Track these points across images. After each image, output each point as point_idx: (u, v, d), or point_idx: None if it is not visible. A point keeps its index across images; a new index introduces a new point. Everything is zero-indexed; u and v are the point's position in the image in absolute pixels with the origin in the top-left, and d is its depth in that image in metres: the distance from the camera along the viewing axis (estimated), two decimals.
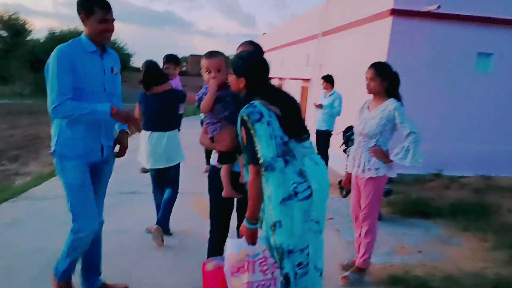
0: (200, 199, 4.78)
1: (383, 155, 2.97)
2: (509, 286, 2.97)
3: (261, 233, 2.05)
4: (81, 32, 2.38)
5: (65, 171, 2.35)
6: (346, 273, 3.14)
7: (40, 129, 16.04)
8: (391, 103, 2.97)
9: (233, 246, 1.99)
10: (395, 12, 6.12)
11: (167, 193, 3.68)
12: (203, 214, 4.08)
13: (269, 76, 2.16)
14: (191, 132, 6.84)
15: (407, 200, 5.27)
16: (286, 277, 1.97)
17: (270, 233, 1.97)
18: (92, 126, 2.36)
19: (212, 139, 2.36)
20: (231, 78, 2.14)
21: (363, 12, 7.05)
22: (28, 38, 29.53)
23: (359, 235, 3.22)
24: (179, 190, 3.79)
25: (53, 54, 2.23)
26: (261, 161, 1.91)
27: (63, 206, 4.76)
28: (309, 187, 1.97)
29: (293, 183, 1.94)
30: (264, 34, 18.67)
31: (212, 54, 2.38)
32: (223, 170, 2.35)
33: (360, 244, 3.21)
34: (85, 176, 2.38)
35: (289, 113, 2.04)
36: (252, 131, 1.91)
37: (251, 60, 2.11)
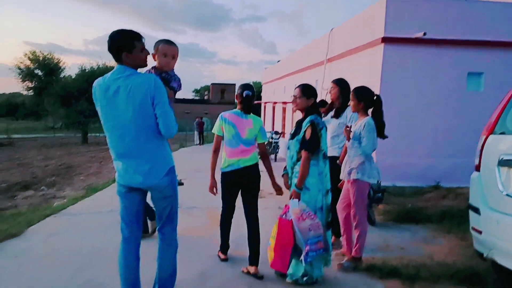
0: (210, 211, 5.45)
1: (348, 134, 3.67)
2: (469, 272, 3.44)
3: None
4: (111, 67, 2.80)
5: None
6: (342, 261, 3.67)
7: (71, 159, 17.27)
8: (366, 120, 3.61)
9: (293, 204, 3.21)
10: (386, 40, 6.79)
11: None
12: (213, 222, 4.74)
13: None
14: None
15: (402, 209, 5.74)
16: (331, 223, 3.39)
17: (320, 197, 3.28)
18: None
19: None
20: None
21: (359, 40, 7.76)
22: (61, 75, 31.51)
23: (346, 231, 3.78)
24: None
25: None
26: (322, 152, 3.27)
27: (95, 220, 5.55)
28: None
29: None
30: (278, 61, 19.59)
31: (172, 42, 2.69)
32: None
33: (346, 238, 3.78)
34: None
35: None
36: (319, 134, 3.21)
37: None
